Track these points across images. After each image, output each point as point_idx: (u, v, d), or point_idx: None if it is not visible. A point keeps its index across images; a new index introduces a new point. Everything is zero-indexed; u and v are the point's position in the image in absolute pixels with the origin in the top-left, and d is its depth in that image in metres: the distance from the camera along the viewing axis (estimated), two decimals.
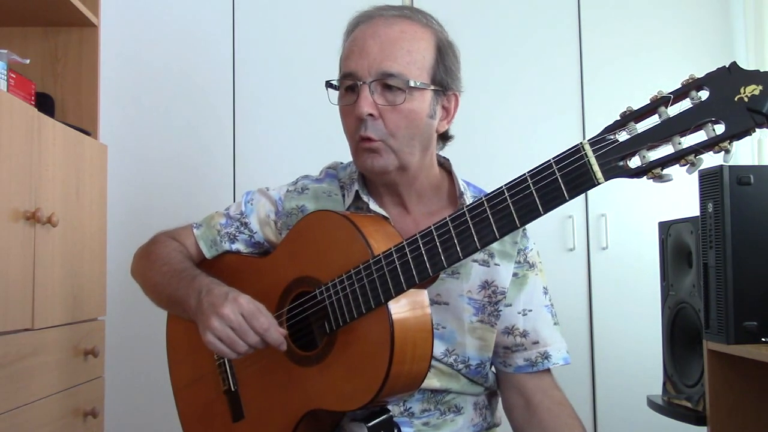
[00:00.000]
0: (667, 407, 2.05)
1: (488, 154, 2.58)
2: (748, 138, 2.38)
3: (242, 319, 1.17)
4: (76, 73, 2.33)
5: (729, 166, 1.74)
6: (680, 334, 2.05)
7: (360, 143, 1.28)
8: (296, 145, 2.59)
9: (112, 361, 2.28)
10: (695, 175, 1.83)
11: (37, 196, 1.73)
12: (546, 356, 1.35)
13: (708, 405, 1.78)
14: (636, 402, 2.30)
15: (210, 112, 2.62)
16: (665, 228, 2.13)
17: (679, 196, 2.44)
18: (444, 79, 1.31)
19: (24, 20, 2.29)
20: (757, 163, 2.37)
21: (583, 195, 2.59)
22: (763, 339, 1.67)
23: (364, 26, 1.30)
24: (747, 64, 2.48)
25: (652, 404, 2.12)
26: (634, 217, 2.60)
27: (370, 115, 1.25)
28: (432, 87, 1.29)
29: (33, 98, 1.96)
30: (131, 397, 2.49)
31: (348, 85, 1.29)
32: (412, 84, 1.26)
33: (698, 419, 1.89)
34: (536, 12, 2.67)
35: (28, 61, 1.99)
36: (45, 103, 2.17)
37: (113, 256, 2.22)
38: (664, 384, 2.12)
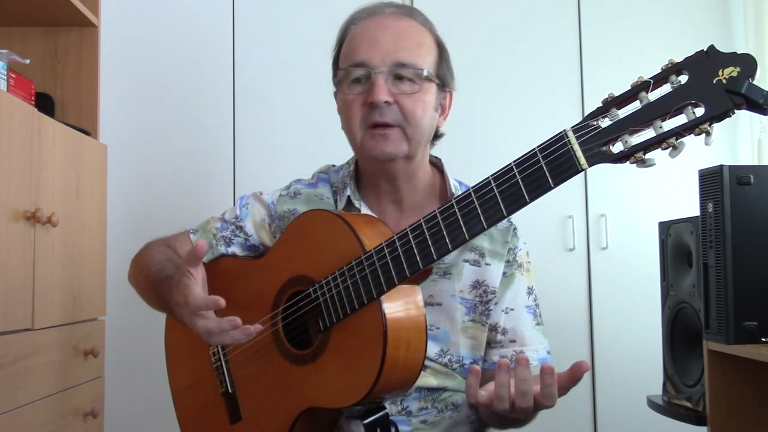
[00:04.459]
0: (667, 407, 2.05)
1: (488, 152, 2.58)
2: (748, 138, 2.40)
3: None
4: (76, 73, 2.33)
5: (729, 166, 1.74)
6: (680, 334, 2.05)
7: (372, 129, 1.29)
8: (296, 145, 2.59)
9: (112, 361, 2.28)
10: (695, 175, 1.84)
11: (37, 196, 1.73)
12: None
13: (708, 405, 1.78)
14: (636, 402, 2.30)
15: (210, 112, 2.62)
16: (665, 228, 2.13)
17: (679, 196, 2.44)
18: (445, 75, 1.36)
19: (24, 20, 2.29)
20: (757, 163, 2.37)
21: (583, 195, 2.62)
22: (763, 339, 1.68)
23: (369, 20, 1.34)
24: None
25: (652, 404, 2.12)
26: (634, 217, 2.59)
27: (386, 102, 1.27)
28: (437, 81, 1.33)
29: (33, 98, 1.95)
30: (131, 397, 2.49)
31: (358, 76, 1.31)
32: (424, 74, 1.29)
33: (698, 419, 1.89)
34: (536, 10, 2.67)
35: (28, 61, 1.99)
36: (45, 103, 2.17)
37: (113, 256, 2.22)
38: (664, 384, 2.12)
